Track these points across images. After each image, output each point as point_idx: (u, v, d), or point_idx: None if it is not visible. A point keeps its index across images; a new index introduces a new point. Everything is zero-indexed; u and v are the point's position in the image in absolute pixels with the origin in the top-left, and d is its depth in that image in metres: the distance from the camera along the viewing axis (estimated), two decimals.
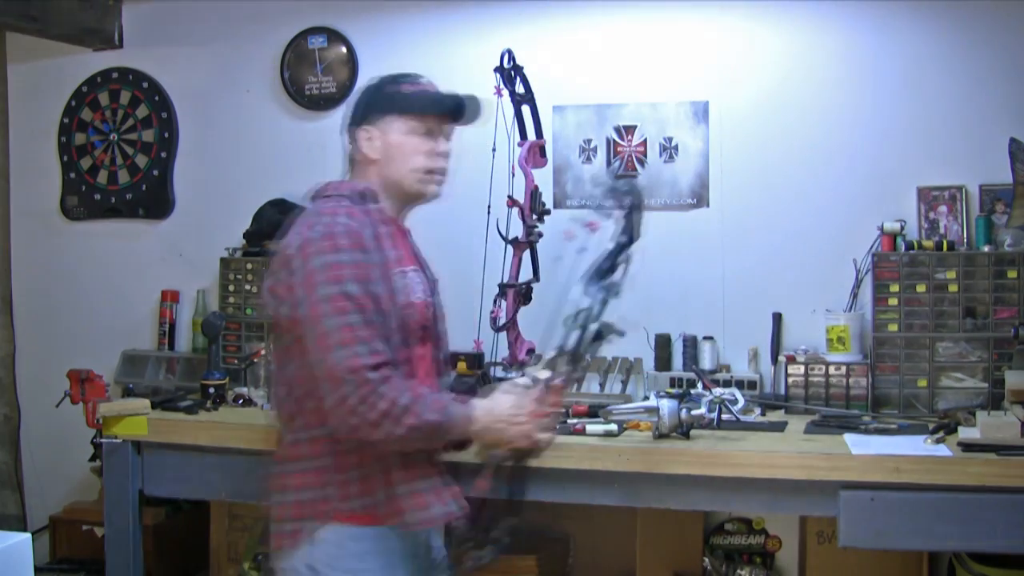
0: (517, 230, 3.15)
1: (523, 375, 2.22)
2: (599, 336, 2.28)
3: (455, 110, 2.30)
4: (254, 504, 2.87)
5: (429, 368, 2.32)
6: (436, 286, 2.38)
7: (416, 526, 2.15)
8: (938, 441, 2.63)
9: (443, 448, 2.24)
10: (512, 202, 3.12)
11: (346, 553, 2.13)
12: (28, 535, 2.03)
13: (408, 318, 2.18)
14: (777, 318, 3.39)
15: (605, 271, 2.28)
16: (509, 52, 3.07)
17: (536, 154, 3.16)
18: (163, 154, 4.07)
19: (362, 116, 2.32)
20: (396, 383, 2.05)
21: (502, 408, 2.15)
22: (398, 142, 2.26)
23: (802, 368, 3.23)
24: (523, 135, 3.13)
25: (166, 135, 4.07)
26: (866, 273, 3.29)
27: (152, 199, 4.10)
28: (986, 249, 3.14)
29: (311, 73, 3.88)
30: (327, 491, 2.14)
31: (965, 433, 2.69)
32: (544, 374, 2.19)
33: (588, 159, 3.62)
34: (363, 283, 2.07)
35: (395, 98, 2.33)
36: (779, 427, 2.92)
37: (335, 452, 2.13)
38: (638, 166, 3.57)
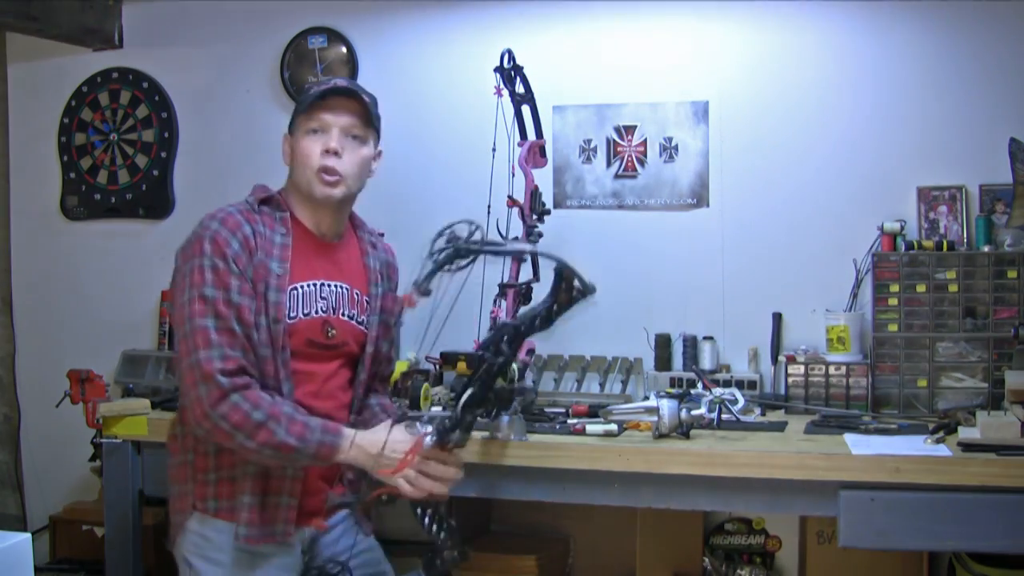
0: (517, 230, 3.15)
1: (424, 420, 2.15)
2: (505, 398, 2.16)
3: (321, 98, 2.24)
4: None
5: (342, 386, 2.32)
6: (376, 302, 2.36)
7: (242, 539, 2.16)
8: (938, 441, 2.63)
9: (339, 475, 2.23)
10: (512, 202, 3.12)
11: (211, 545, 2.18)
12: (28, 535, 2.03)
13: (279, 333, 2.16)
14: (777, 318, 3.39)
15: (515, 336, 2.12)
16: (509, 52, 3.07)
17: (536, 154, 3.16)
18: (163, 154, 4.08)
19: (288, 124, 2.35)
20: (252, 396, 2.07)
21: (375, 444, 2.11)
22: (296, 144, 2.28)
23: (802, 368, 3.23)
24: (523, 135, 3.13)
25: (166, 135, 4.07)
26: (866, 273, 3.29)
27: (152, 199, 4.10)
28: (986, 249, 3.14)
29: (311, 73, 3.88)
30: (187, 487, 2.21)
31: (965, 433, 2.69)
32: (427, 428, 2.11)
33: (588, 159, 3.62)
34: (222, 289, 2.11)
35: (297, 102, 2.34)
36: (779, 427, 2.92)
37: (196, 451, 2.20)
38: (638, 166, 3.57)
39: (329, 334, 2.26)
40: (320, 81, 2.33)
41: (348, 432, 2.13)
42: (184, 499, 2.22)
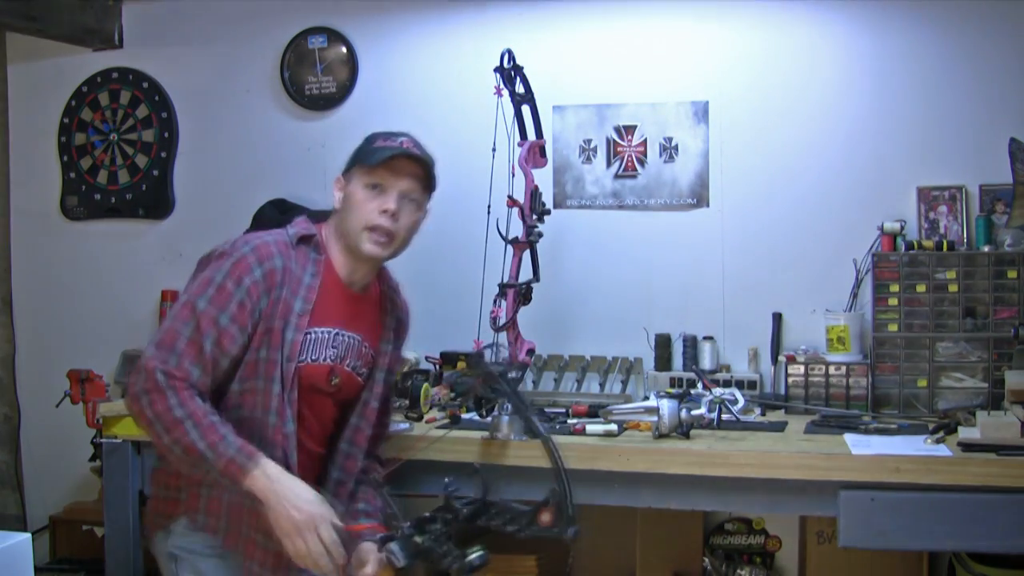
0: (517, 230, 3.15)
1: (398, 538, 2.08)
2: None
3: (388, 161, 2.23)
4: None
5: (325, 425, 2.32)
6: (384, 359, 2.37)
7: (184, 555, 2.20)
8: (938, 441, 2.63)
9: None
10: (512, 202, 3.12)
11: (196, 554, 2.22)
12: (28, 535, 2.03)
13: (290, 372, 2.17)
14: (777, 318, 3.39)
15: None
16: (509, 52, 3.07)
17: (536, 154, 3.16)
18: (163, 154, 4.07)
19: (344, 167, 2.33)
20: (183, 393, 2.05)
21: (284, 490, 2.05)
22: (351, 193, 2.26)
23: (802, 368, 3.23)
24: (523, 135, 3.13)
25: (166, 135, 4.07)
26: (866, 273, 3.29)
27: (152, 199, 4.10)
28: (986, 249, 3.14)
29: (311, 73, 3.88)
30: (179, 496, 2.23)
31: (965, 433, 2.69)
32: (369, 548, 2.06)
33: (588, 159, 3.62)
34: (215, 307, 2.11)
35: (361, 151, 2.31)
36: (779, 427, 2.92)
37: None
38: (638, 166, 3.57)
39: (332, 382, 2.28)
40: (387, 135, 2.30)
41: (264, 462, 2.06)
42: (164, 503, 2.25)
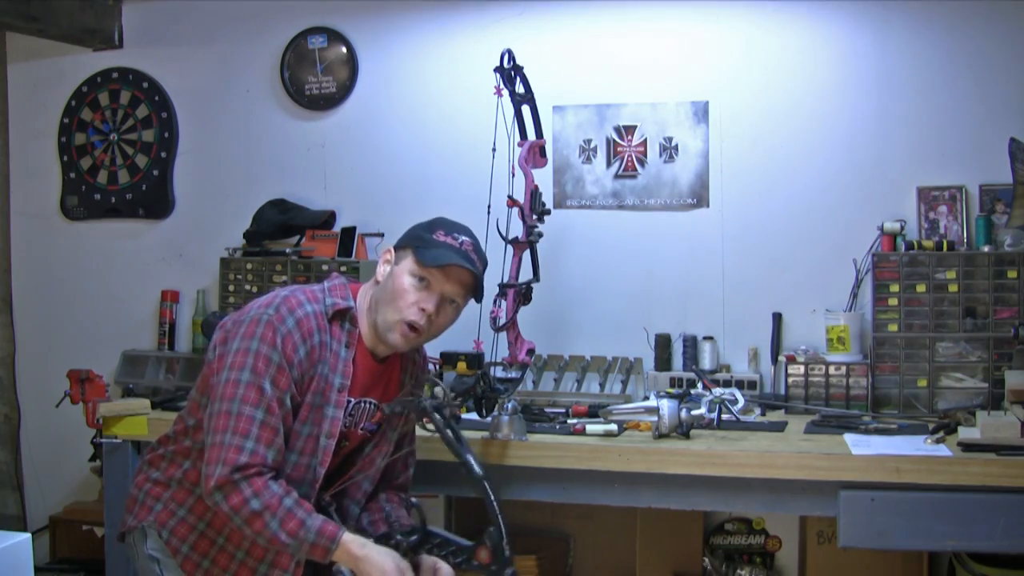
0: (517, 230, 3.15)
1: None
2: None
3: (438, 266, 2.20)
4: None
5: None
6: (392, 419, 2.36)
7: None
8: (938, 441, 2.63)
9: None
10: (512, 202, 3.11)
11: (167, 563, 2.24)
12: (28, 535, 2.03)
13: (328, 448, 2.20)
14: (777, 318, 3.39)
15: None
16: (509, 52, 3.07)
17: (536, 154, 3.16)
18: (163, 154, 4.07)
19: (399, 240, 2.30)
20: (257, 483, 2.07)
21: (377, 562, 2.09)
22: (397, 276, 2.23)
23: (802, 368, 3.23)
24: (523, 135, 3.13)
25: (166, 135, 4.07)
26: (866, 273, 3.29)
27: (152, 199, 4.10)
28: (986, 249, 3.14)
29: (311, 73, 3.88)
30: (155, 506, 2.25)
31: (965, 433, 2.69)
32: None
33: (588, 159, 3.62)
34: (278, 389, 2.12)
35: (420, 237, 2.26)
36: (779, 427, 2.92)
37: (180, 486, 2.24)
38: (638, 166, 3.57)
39: (342, 444, 2.29)
40: (449, 229, 2.26)
41: (345, 539, 2.09)
42: (147, 512, 2.26)
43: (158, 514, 2.24)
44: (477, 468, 2.11)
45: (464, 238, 2.25)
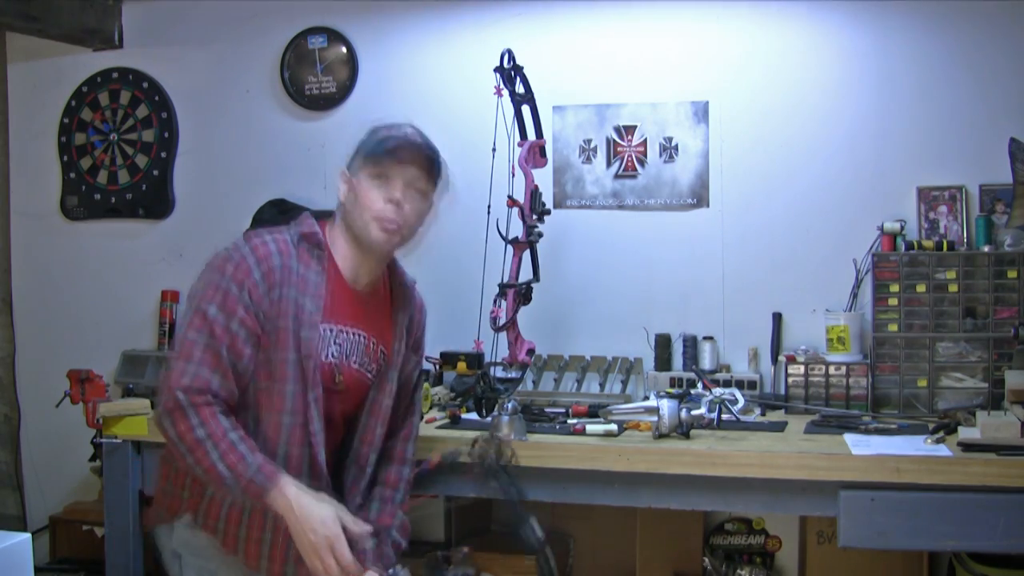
0: (517, 230, 3.15)
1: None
2: None
3: (391, 150, 2.22)
4: None
5: (333, 427, 2.31)
6: (397, 359, 2.36)
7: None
8: (938, 441, 2.63)
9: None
10: (512, 202, 3.12)
11: (201, 552, 2.24)
12: (28, 535, 2.03)
13: (310, 369, 2.18)
14: (777, 318, 3.39)
15: None
16: (509, 52, 3.07)
17: (536, 154, 3.17)
18: (163, 154, 4.07)
19: (348, 160, 2.32)
20: (205, 412, 2.08)
21: (304, 509, 2.08)
22: (357, 184, 2.24)
23: (802, 368, 3.23)
24: (523, 135, 3.13)
25: (166, 135, 4.07)
26: (866, 273, 3.29)
27: (152, 199, 4.10)
28: (986, 249, 3.14)
29: (311, 73, 3.88)
30: (183, 494, 2.25)
31: (965, 433, 2.69)
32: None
33: (588, 159, 3.62)
34: (224, 314, 2.12)
35: (363, 143, 2.30)
36: (779, 427, 2.92)
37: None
38: (638, 166, 3.57)
39: (336, 380, 2.26)
40: (390, 125, 2.30)
41: (282, 482, 2.09)
42: (169, 500, 2.27)
43: (188, 500, 2.23)
44: (539, 532, 2.14)
45: (407, 128, 2.28)
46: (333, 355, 2.25)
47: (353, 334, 2.28)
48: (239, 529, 2.19)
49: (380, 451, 2.39)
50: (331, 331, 2.24)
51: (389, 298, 2.39)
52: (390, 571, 2.09)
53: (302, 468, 2.19)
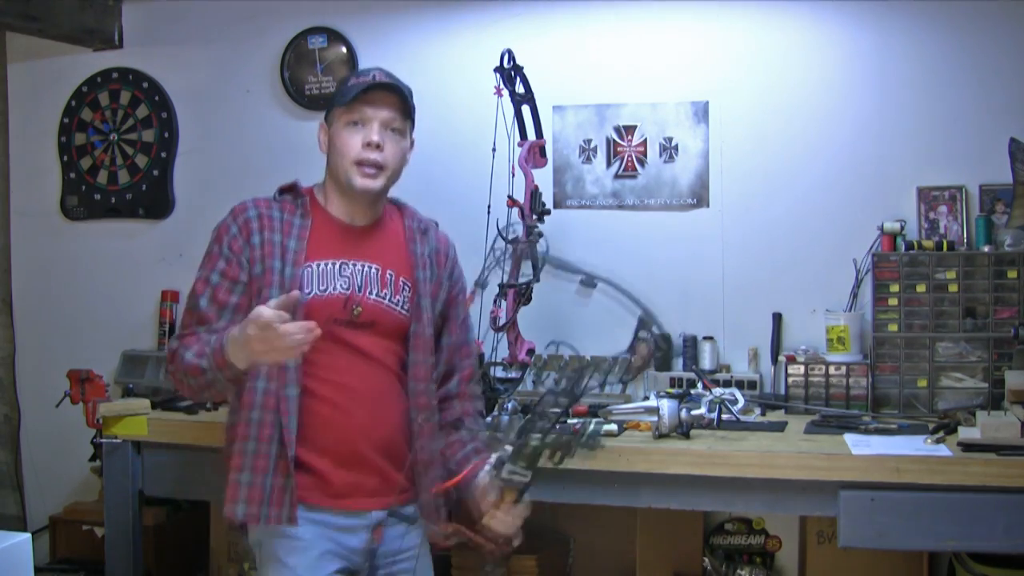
0: (517, 230, 3.15)
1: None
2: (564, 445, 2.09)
3: (363, 94, 2.24)
4: None
5: (390, 367, 2.29)
6: (425, 287, 2.33)
7: (231, 517, 2.21)
8: (938, 441, 2.63)
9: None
10: (512, 202, 3.12)
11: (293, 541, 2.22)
12: (28, 535, 2.03)
13: (308, 308, 2.17)
14: (777, 318, 3.39)
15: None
16: (509, 52, 3.07)
17: (536, 154, 3.17)
18: (163, 154, 4.07)
19: (324, 114, 2.36)
20: (186, 341, 2.20)
21: (244, 330, 2.04)
22: (334, 134, 2.29)
23: (802, 368, 3.23)
24: (523, 135, 3.13)
25: (166, 135, 4.07)
26: (866, 273, 3.29)
27: (152, 199, 4.10)
28: (986, 249, 3.14)
29: (311, 73, 3.88)
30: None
31: (965, 433, 2.69)
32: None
33: (588, 159, 3.62)
34: (208, 270, 2.26)
35: (335, 92, 2.38)
36: (779, 427, 2.92)
37: (240, 453, 2.23)
38: (638, 166, 3.57)
39: (355, 311, 2.24)
40: (359, 72, 2.34)
41: (228, 332, 2.10)
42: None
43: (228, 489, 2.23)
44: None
45: (375, 71, 2.30)
46: (342, 287, 2.24)
47: (362, 266, 2.28)
48: (235, 474, 2.20)
49: (444, 397, 2.38)
50: (332, 265, 2.25)
51: (402, 232, 2.38)
52: (503, 470, 2.05)
53: (284, 381, 2.19)
